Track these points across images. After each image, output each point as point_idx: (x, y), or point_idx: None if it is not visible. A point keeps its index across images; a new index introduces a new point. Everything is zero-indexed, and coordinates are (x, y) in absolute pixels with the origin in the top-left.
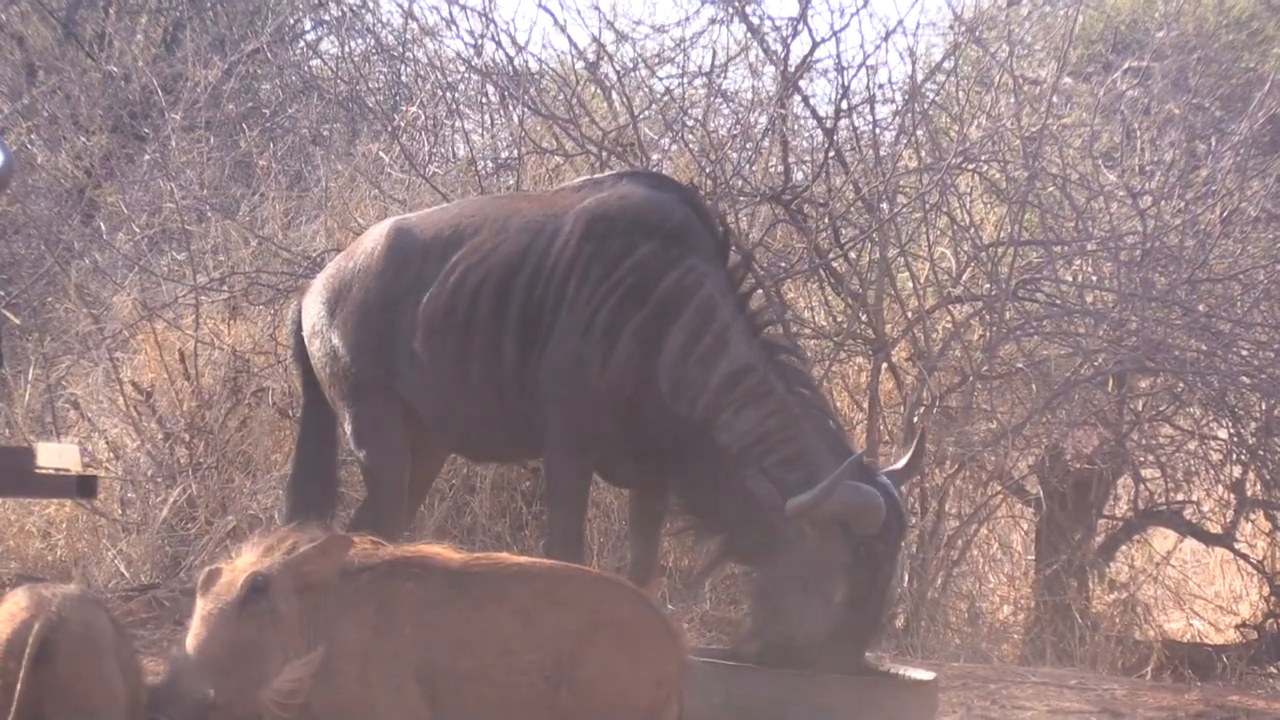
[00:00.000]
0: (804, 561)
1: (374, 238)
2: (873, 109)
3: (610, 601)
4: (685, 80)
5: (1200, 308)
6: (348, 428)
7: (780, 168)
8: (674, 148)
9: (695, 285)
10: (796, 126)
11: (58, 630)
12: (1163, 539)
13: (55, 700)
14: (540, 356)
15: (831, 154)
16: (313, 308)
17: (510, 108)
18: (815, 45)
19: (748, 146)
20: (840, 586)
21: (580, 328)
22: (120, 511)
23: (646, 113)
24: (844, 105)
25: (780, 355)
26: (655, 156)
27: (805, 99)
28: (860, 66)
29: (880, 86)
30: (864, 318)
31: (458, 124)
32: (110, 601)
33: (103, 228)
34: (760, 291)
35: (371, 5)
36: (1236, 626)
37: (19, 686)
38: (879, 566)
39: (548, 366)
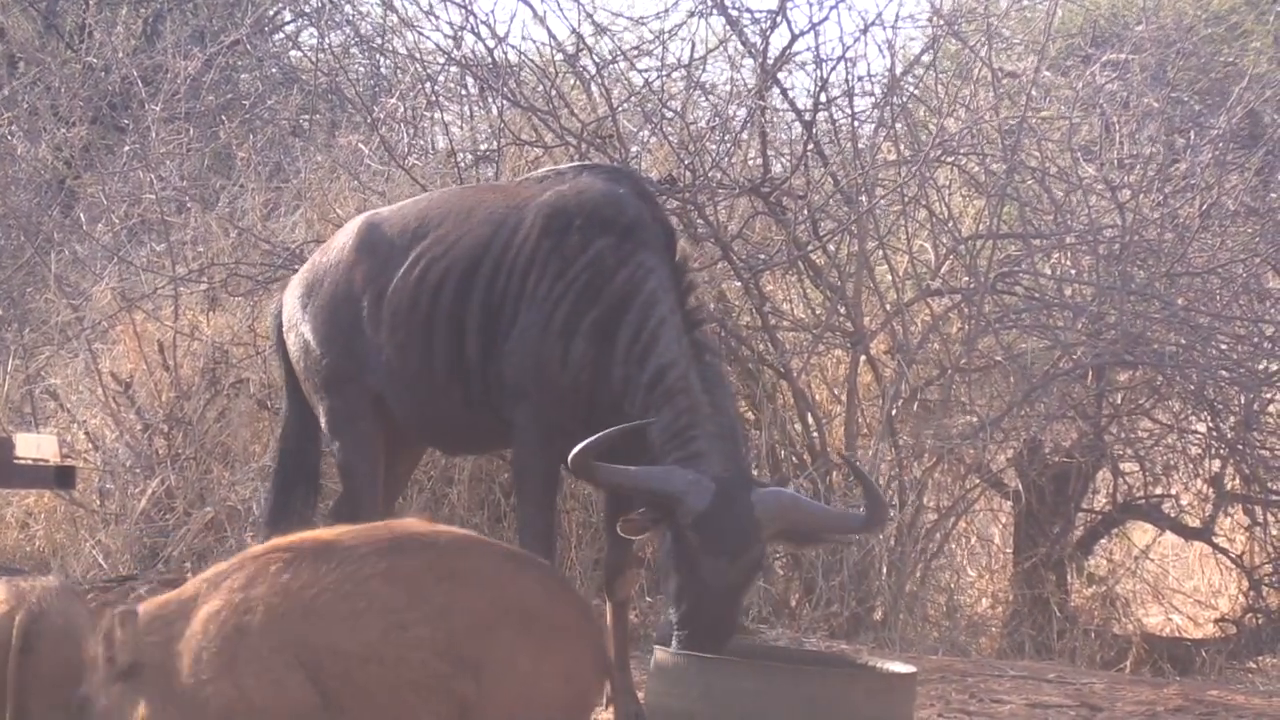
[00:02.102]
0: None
1: (346, 232)
2: (851, 102)
3: (517, 583)
4: (664, 73)
5: (1179, 301)
6: (322, 420)
7: (759, 160)
8: (653, 140)
9: (643, 281)
10: (775, 119)
11: (39, 621)
12: (1141, 533)
13: (37, 691)
14: (502, 350)
15: (810, 146)
16: (289, 302)
17: (489, 99)
18: (794, 38)
19: (726, 139)
20: (671, 574)
21: (540, 324)
22: (99, 502)
23: (625, 105)
24: (823, 98)
25: (706, 356)
26: (634, 149)
27: (784, 91)
28: (839, 59)
29: (859, 79)
30: (843, 310)
31: (437, 115)
32: (88, 593)
33: (82, 218)
34: (698, 288)
35: None
36: (1215, 621)
37: (7, 678)
38: (695, 557)
39: (510, 362)
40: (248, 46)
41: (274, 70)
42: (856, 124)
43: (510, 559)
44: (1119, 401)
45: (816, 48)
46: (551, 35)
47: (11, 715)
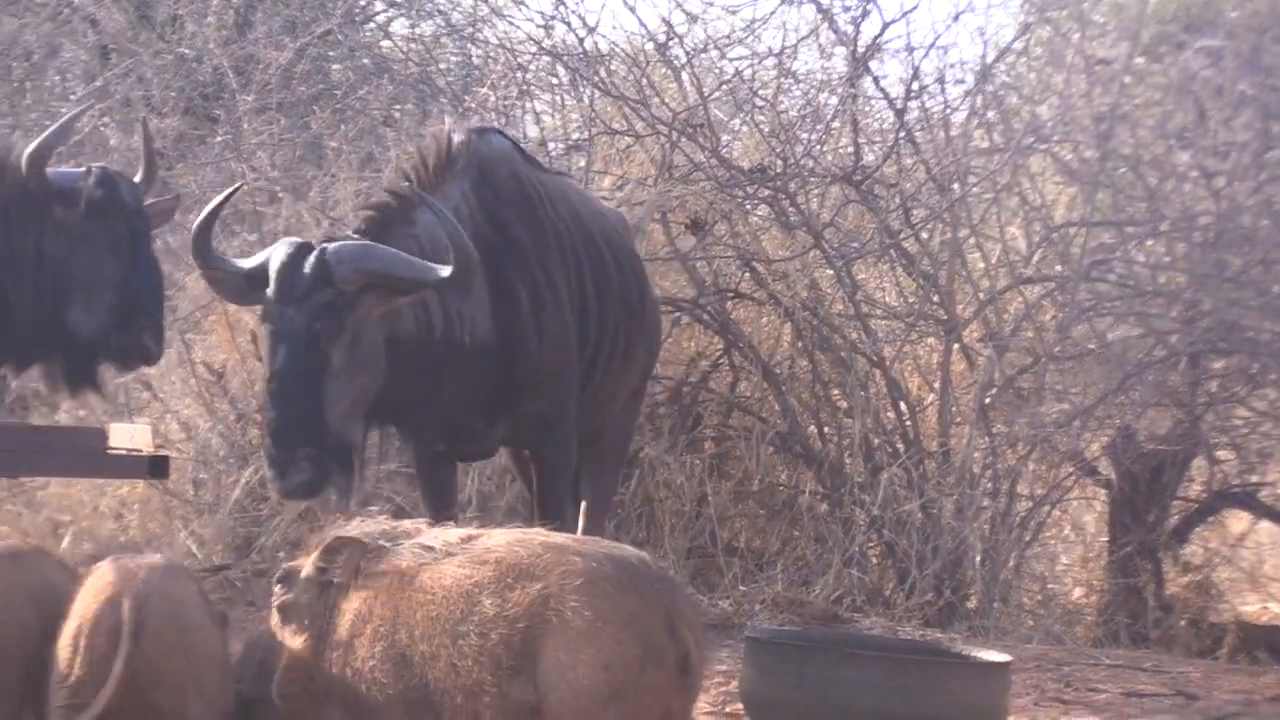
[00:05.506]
0: None
1: None
2: (943, 89)
3: (555, 578)
4: (755, 61)
5: (1275, 289)
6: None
7: (851, 148)
8: (744, 128)
9: None
10: (867, 107)
11: (144, 608)
12: (1237, 521)
13: (143, 677)
14: None
15: (902, 134)
16: None
17: (580, 89)
18: (885, 26)
19: (818, 127)
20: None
21: None
22: (192, 492)
23: (716, 93)
24: (914, 86)
25: None
26: (725, 137)
27: (876, 80)
28: (930, 47)
29: (950, 67)
30: (935, 298)
31: (528, 105)
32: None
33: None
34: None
35: None
36: None
37: (118, 664)
38: (267, 312)
39: None
40: (339, 36)
41: (365, 60)
42: (948, 111)
43: (555, 552)
44: (1214, 389)
45: (908, 35)
46: (642, 24)
47: (116, 701)
